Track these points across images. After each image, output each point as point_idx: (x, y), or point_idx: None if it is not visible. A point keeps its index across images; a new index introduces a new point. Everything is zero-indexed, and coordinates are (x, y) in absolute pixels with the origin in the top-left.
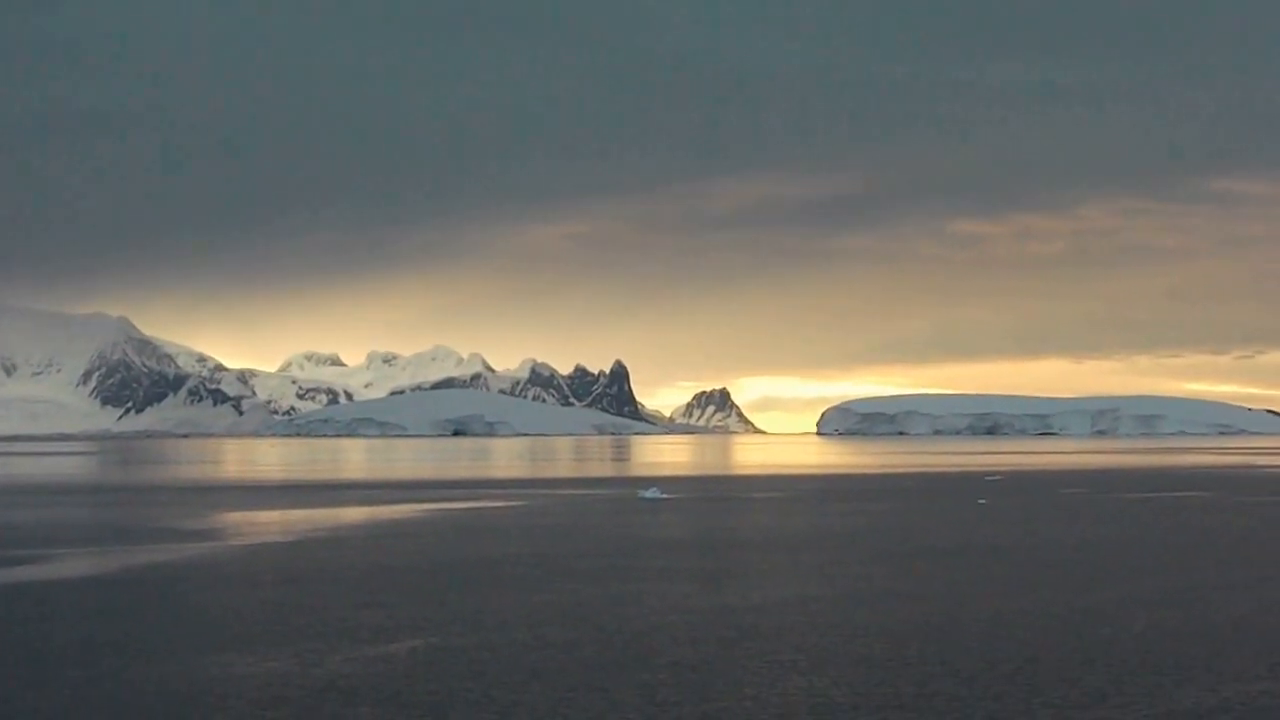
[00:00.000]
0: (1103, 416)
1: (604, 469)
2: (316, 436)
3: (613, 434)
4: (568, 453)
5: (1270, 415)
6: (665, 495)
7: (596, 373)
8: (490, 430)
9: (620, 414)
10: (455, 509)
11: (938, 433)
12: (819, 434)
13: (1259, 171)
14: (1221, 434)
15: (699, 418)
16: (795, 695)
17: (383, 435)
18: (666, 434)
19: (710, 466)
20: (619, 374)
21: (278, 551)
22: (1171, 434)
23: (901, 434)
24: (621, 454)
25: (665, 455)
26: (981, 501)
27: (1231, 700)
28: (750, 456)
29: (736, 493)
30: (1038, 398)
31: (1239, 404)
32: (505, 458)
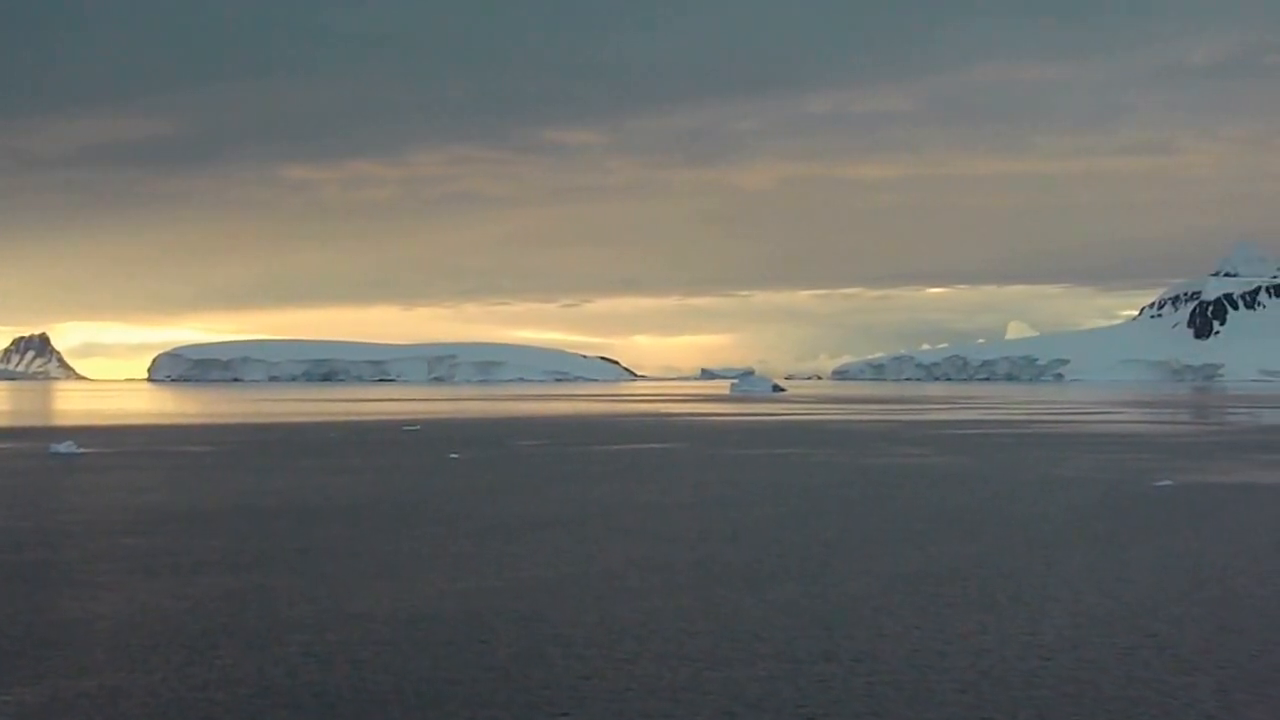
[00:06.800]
0: (440, 363)
1: None
2: None
3: None
4: None
5: (604, 362)
6: (82, 450)
7: None
8: None
9: None
10: None
11: (274, 379)
12: (151, 380)
13: (589, 123)
14: (559, 380)
15: (18, 364)
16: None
17: None
18: None
19: (98, 416)
20: None
21: None
22: (510, 380)
23: (236, 380)
24: None
25: (16, 403)
26: (454, 456)
27: None
28: (114, 404)
29: (160, 446)
30: (373, 344)
31: (573, 351)
32: None
